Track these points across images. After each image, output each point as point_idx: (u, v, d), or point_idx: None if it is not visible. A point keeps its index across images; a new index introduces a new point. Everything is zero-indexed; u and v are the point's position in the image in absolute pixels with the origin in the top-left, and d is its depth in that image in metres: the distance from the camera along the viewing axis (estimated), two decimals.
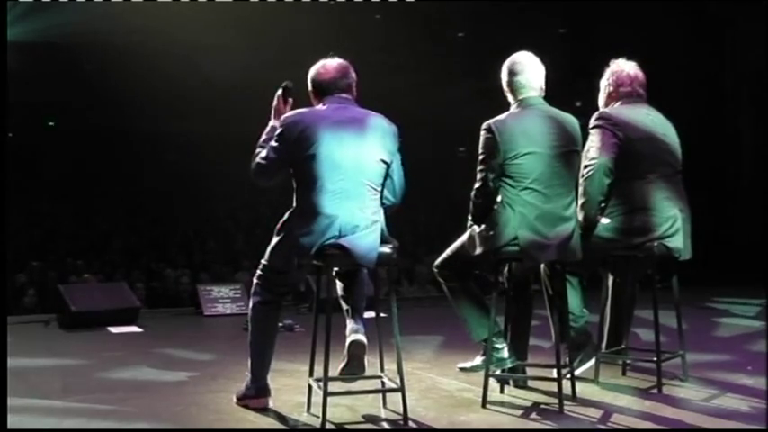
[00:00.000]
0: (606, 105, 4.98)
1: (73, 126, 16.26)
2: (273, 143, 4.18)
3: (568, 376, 4.52)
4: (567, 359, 4.78)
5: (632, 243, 4.73)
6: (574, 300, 4.83)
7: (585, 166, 4.71)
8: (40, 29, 12.90)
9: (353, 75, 4.29)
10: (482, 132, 4.44)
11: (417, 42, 14.33)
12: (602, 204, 4.76)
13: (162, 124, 15.69)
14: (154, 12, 12.22)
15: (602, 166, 4.69)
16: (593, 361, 4.89)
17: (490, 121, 4.45)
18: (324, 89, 4.23)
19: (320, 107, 4.22)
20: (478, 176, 4.45)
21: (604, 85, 5.02)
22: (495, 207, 4.40)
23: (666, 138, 4.88)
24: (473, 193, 4.48)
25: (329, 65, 4.28)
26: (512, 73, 4.53)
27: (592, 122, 4.82)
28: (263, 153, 4.22)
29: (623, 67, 4.97)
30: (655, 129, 4.85)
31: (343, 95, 4.23)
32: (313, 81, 4.28)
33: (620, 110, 4.87)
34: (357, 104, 4.27)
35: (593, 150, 4.74)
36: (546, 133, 4.41)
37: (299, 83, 4.43)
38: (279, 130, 4.16)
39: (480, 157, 4.45)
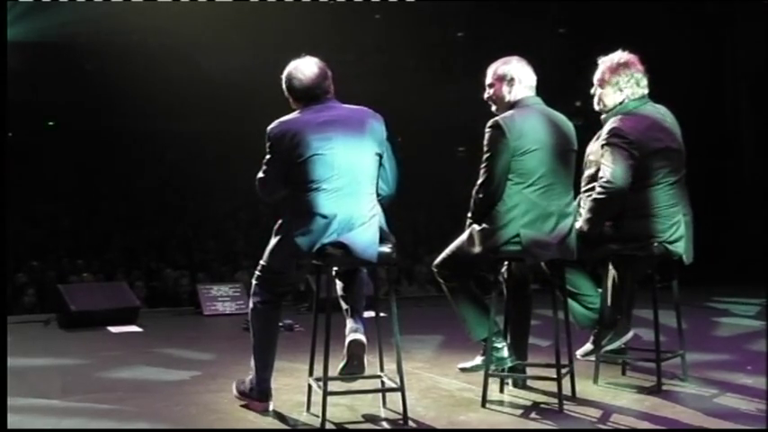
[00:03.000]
0: (614, 103, 4.82)
1: (73, 126, 16.27)
2: (267, 156, 4.19)
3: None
4: (592, 340, 4.81)
5: (633, 247, 4.72)
6: (584, 283, 4.82)
7: (601, 186, 4.60)
8: (40, 29, 12.90)
9: (330, 72, 4.25)
10: (489, 129, 4.40)
11: (417, 42, 14.34)
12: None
13: (162, 124, 15.70)
14: (154, 12, 12.22)
15: (619, 193, 4.57)
16: (627, 337, 4.85)
17: (497, 117, 4.44)
18: (309, 96, 4.18)
19: (303, 111, 4.18)
20: (483, 173, 4.41)
21: (607, 87, 4.79)
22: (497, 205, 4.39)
23: (677, 140, 4.79)
24: (476, 189, 4.45)
25: (308, 69, 4.21)
26: (509, 73, 4.53)
27: (605, 138, 4.67)
28: (262, 168, 4.24)
29: (630, 68, 4.76)
30: (668, 133, 4.74)
31: (326, 96, 4.22)
32: (294, 88, 4.22)
33: (633, 119, 4.69)
34: (338, 101, 4.25)
35: (607, 171, 4.59)
36: (547, 132, 4.41)
37: None
38: (269, 143, 4.16)
39: (487, 154, 4.40)
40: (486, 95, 4.64)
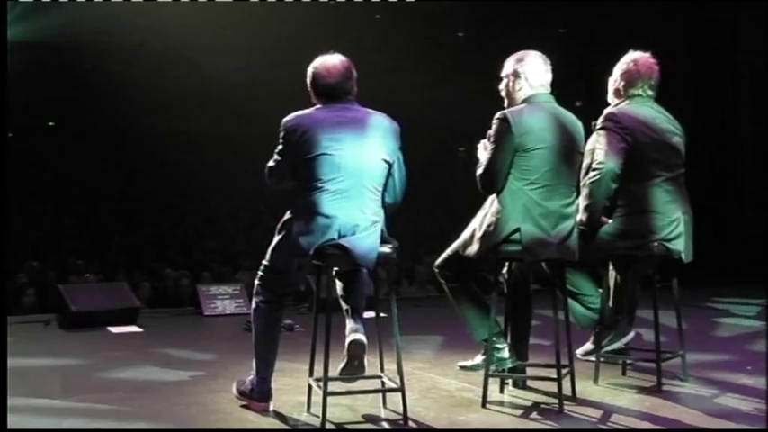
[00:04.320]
0: (614, 99, 4.91)
1: (73, 126, 16.26)
2: (278, 146, 4.21)
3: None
4: (593, 340, 4.84)
5: (634, 245, 4.73)
6: (585, 283, 4.82)
7: (593, 169, 4.65)
8: (40, 29, 12.89)
9: (355, 73, 4.25)
10: (496, 121, 4.39)
11: (417, 42, 14.32)
12: (607, 207, 4.74)
13: (162, 124, 15.70)
14: (154, 12, 12.22)
15: (610, 173, 4.61)
16: (628, 337, 4.87)
17: (505, 111, 4.44)
18: (330, 94, 4.19)
19: (320, 108, 4.20)
20: (484, 162, 4.41)
21: (615, 78, 4.92)
22: (498, 199, 4.38)
23: (673, 139, 4.83)
24: (477, 176, 4.45)
25: (333, 67, 4.21)
26: (519, 70, 4.52)
27: (600, 123, 4.75)
28: (273, 157, 4.26)
29: (638, 66, 4.86)
30: (662, 131, 4.79)
31: (347, 97, 4.22)
32: (317, 84, 4.23)
33: (628, 111, 4.77)
34: (358, 103, 4.25)
35: (600, 154, 4.66)
36: (554, 131, 4.40)
37: (298, 82, 4.42)
38: (281, 134, 4.18)
39: (492, 146, 4.41)
40: (499, 88, 4.64)
